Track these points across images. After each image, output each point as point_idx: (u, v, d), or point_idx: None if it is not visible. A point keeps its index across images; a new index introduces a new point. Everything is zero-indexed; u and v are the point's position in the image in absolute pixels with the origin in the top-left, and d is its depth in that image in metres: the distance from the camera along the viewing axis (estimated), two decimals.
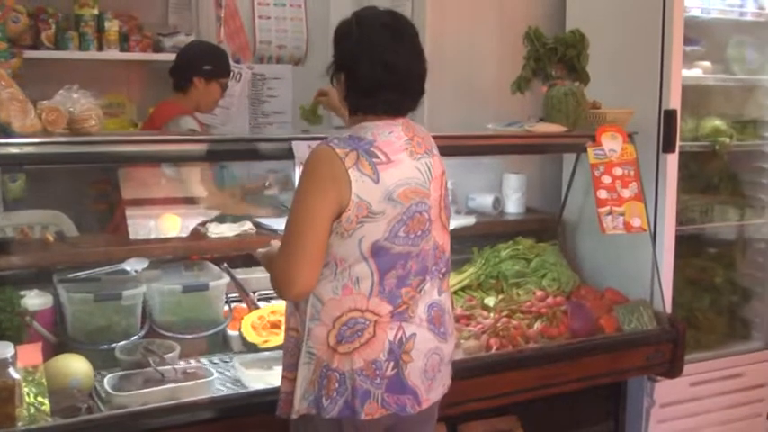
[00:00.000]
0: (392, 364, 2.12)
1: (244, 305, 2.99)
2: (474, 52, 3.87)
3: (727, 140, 3.84)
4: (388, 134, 2.16)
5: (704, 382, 3.76)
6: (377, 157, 2.10)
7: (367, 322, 2.11)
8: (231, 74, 3.94)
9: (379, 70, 2.13)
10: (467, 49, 3.85)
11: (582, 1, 3.93)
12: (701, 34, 3.83)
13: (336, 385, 2.10)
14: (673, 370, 3.40)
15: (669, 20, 3.41)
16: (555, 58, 3.43)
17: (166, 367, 2.56)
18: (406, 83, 2.18)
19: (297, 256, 2.09)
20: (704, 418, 3.80)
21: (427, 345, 2.19)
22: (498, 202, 3.86)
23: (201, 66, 3.73)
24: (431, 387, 2.21)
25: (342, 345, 2.10)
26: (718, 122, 3.86)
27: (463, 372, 2.65)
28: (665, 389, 3.58)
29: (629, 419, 3.59)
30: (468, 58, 3.85)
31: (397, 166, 2.12)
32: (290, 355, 2.22)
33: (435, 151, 2.28)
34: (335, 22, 2.26)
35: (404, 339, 2.14)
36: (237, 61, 4.27)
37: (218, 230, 3.09)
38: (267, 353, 2.78)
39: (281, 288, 2.14)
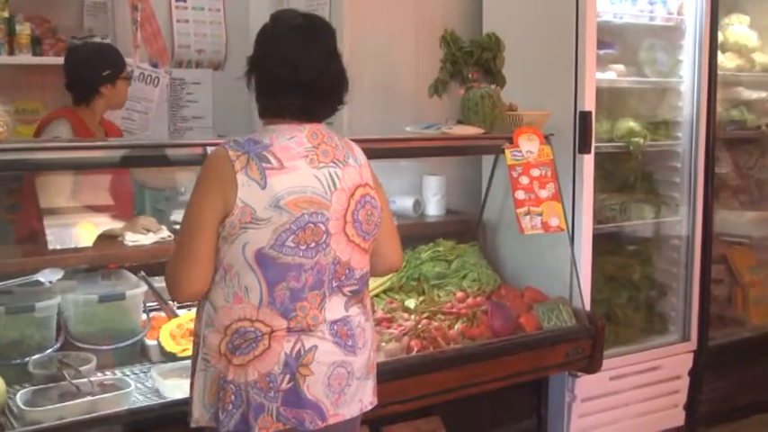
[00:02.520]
0: (288, 377, 2.06)
1: (162, 314, 2.94)
2: (392, 56, 3.89)
3: (641, 141, 3.95)
4: (288, 139, 2.10)
5: (623, 375, 3.85)
6: (268, 162, 2.05)
7: (259, 333, 2.06)
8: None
9: (282, 69, 2.10)
10: (385, 53, 3.86)
11: (498, 5, 3.98)
12: (614, 38, 3.94)
13: (233, 398, 2.07)
14: (592, 365, 3.47)
15: (582, 24, 3.49)
16: (471, 60, 3.48)
17: (82, 380, 2.50)
18: (312, 85, 2.11)
19: (183, 259, 2.09)
20: (624, 411, 3.89)
21: (331, 357, 2.11)
22: (418, 205, 3.89)
23: (101, 73, 3.50)
24: (339, 402, 2.13)
25: (236, 357, 2.06)
26: (632, 123, 3.97)
27: (385, 374, 2.64)
28: (585, 384, 3.64)
29: (551, 415, 3.64)
30: (387, 61, 3.87)
31: (290, 173, 2.06)
32: (194, 361, 2.19)
33: (354, 162, 2.18)
34: (255, 27, 2.23)
35: (302, 352, 2.08)
36: (155, 65, 4.21)
37: (134, 238, 3.05)
38: (186, 361, 2.71)
39: (169, 289, 2.15)
